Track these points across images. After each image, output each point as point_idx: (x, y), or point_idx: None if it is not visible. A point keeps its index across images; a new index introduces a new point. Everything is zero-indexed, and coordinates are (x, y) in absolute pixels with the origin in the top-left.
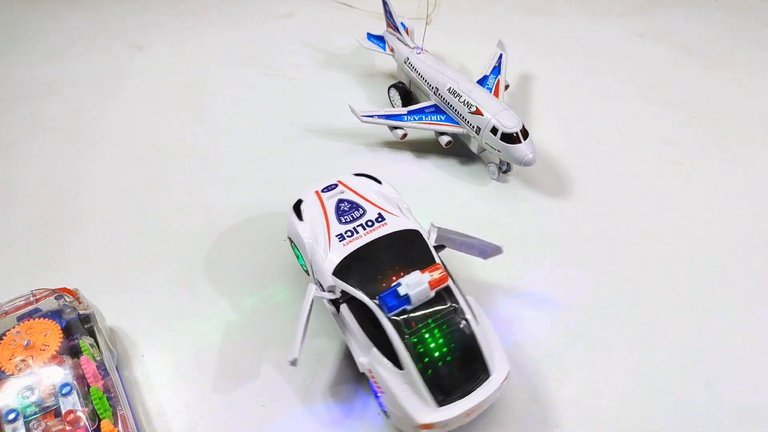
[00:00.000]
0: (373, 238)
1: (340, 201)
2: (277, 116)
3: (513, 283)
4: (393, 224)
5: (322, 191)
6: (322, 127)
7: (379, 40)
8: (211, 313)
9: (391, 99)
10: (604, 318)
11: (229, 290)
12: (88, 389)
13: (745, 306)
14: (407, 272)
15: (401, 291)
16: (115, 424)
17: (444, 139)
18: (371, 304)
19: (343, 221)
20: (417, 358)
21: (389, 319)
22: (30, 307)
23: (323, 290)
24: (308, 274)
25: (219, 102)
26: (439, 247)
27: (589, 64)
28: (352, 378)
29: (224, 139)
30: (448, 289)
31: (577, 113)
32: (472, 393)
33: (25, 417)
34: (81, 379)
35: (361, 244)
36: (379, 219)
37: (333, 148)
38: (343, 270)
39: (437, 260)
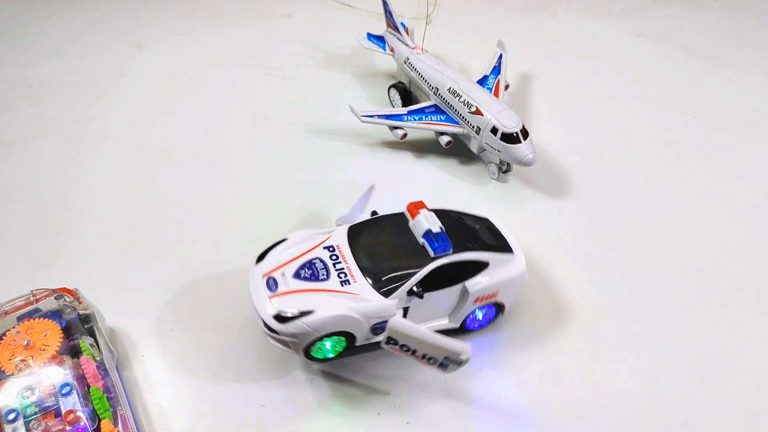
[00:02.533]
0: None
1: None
2: (277, 116)
3: None
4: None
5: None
6: (322, 127)
7: (379, 40)
8: (211, 313)
9: (391, 99)
10: (604, 318)
11: (228, 290)
12: (88, 389)
13: (746, 306)
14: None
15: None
16: (115, 424)
17: (444, 139)
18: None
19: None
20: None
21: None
22: (30, 307)
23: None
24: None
25: (219, 102)
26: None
27: (590, 64)
28: (352, 378)
29: (224, 139)
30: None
31: (578, 113)
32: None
33: (25, 417)
34: (81, 379)
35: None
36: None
37: (333, 148)
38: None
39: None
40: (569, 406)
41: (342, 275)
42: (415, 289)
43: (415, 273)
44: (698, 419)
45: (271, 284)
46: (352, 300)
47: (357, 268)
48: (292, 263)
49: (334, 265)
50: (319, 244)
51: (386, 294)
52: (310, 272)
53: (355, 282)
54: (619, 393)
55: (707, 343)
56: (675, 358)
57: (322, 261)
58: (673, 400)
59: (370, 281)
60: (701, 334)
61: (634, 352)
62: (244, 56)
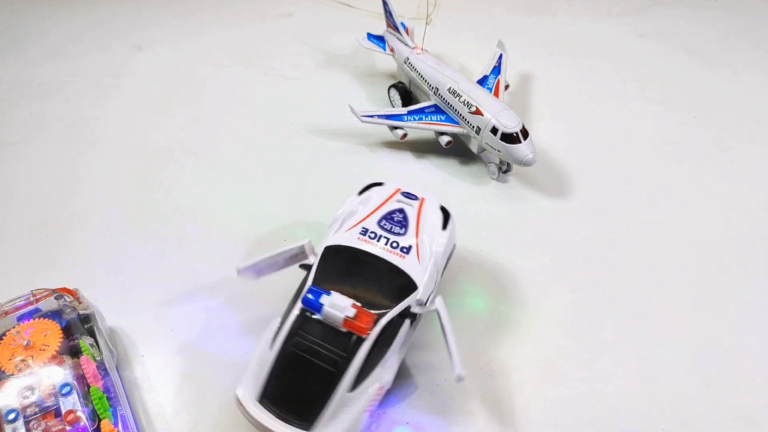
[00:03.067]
0: (374, 253)
1: (399, 211)
2: (277, 116)
3: (512, 283)
4: (406, 264)
5: (402, 193)
6: (322, 127)
7: (379, 40)
8: (211, 312)
9: (391, 99)
10: (604, 318)
11: (228, 290)
12: (88, 389)
13: (746, 306)
14: (361, 298)
15: (323, 299)
16: (115, 424)
17: (444, 139)
18: (305, 288)
19: (381, 225)
20: (283, 355)
21: (301, 309)
22: (30, 307)
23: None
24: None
25: (219, 102)
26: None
27: (590, 64)
28: None
29: (224, 139)
30: (359, 342)
31: (578, 113)
32: (281, 421)
33: (25, 417)
34: (81, 379)
35: (360, 248)
36: (404, 250)
37: (333, 148)
38: (328, 255)
39: (383, 320)
40: (569, 406)
41: None
42: None
43: None
44: (698, 419)
45: None
46: None
47: None
48: None
49: None
50: None
51: None
52: None
53: None
54: (619, 393)
55: (707, 343)
56: (675, 358)
57: None
58: (672, 400)
59: None
60: (701, 334)
61: (634, 352)
62: (244, 56)
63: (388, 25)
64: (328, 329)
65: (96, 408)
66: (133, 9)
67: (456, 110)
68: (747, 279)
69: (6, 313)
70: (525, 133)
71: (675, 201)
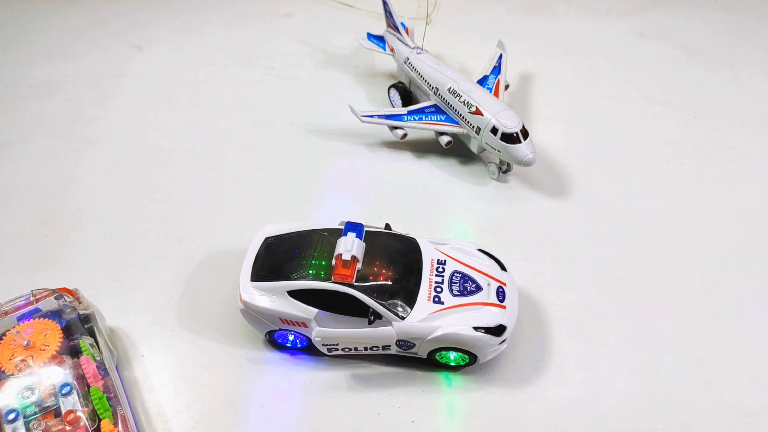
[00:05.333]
0: (423, 272)
1: (472, 280)
2: (277, 116)
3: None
4: (422, 302)
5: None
6: (322, 127)
7: (379, 40)
8: (211, 313)
9: (391, 99)
10: (604, 318)
11: (228, 290)
12: (88, 389)
13: (746, 306)
14: (376, 275)
15: (349, 233)
16: (115, 424)
17: (444, 139)
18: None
19: (451, 278)
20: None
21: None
22: (30, 307)
23: None
24: None
25: (218, 102)
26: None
27: (590, 64)
28: (352, 378)
29: (224, 139)
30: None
31: (578, 113)
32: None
33: (25, 417)
34: (81, 379)
35: (423, 257)
36: (437, 300)
37: (333, 148)
38: (404, 240)
39: (353, 291)
40: (569, 406)
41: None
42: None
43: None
44: (698, 419)
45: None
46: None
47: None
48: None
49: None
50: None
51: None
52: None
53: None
54: (619, 393)
55: (707, 343)
56: (675, 358)
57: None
58: (672, 400)
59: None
60: (701, 334)
61: (634, 352)
62: (244, 56)
63: (388, 25)
64: (327, 248)
65: (96, 408)
66: (133, 9)
67: (456, 110)
68: (747, 279)
69: (6, 313)
70: (525, 133)
71: (675, 201)
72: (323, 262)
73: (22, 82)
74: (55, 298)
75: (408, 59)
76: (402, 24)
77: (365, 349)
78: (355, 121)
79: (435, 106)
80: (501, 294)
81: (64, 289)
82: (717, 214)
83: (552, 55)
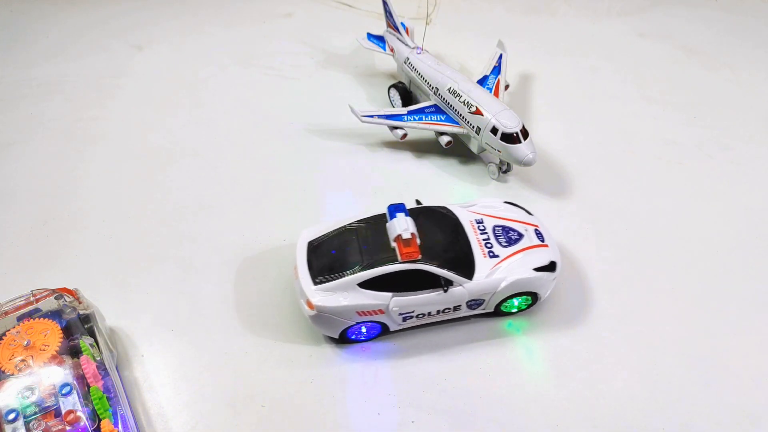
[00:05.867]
0: (467, 232)
1: (519, 234)
2: (277, 116)
3: None
4: (479, 259)
5: (535, 231)
6: (322, 127)
7: (380, 40)
8: (211, 313)
9: (391, 99)
10: (604, 318)
11: (228, 290)
12: (88, 389)
13: (746, 306)
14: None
15: (399, 214)
16: (115, 424)
17: (444, 139)
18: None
19: (494, 230)
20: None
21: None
22: (30, 307)
23: None
24: None
25: (219, 102)
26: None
27: (590, 64)
28: (352, 377)
29: (224, 139)
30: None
31: (578, 113)
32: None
33: (25, 417)
34: (81, 379)
35: (461, 220)
36: (491, 254)
37: (333, 148)
38: (437, 209)
39: (423, 265)
40: (569, 406)
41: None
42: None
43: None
44: (698, 419)
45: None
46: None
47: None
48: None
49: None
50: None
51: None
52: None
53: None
54: (619, 393)
55: (707, 343)
56: (675, 358)
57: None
58: (672, 400)
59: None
60: (701, 334)
61: (634, 352)
62: (244, 56)
63: (388, 25)
64: (378, 234)
65: (96, 408)
66: (134, 9)
67: (456, 110)
68: (747, 279)
69: (6, 313)
70: (525, 133)
71: (675, 201)
72: (381, 248)
73: (22, 82)
74: (55, 298)
75: (408, 59)
76: (402, 24)
77: (437, 312)
78: (355, 121)
79: (435, 106)
80: (539, 235)
81: (64, 289)
82: (717, 213)
83: (552, 55)
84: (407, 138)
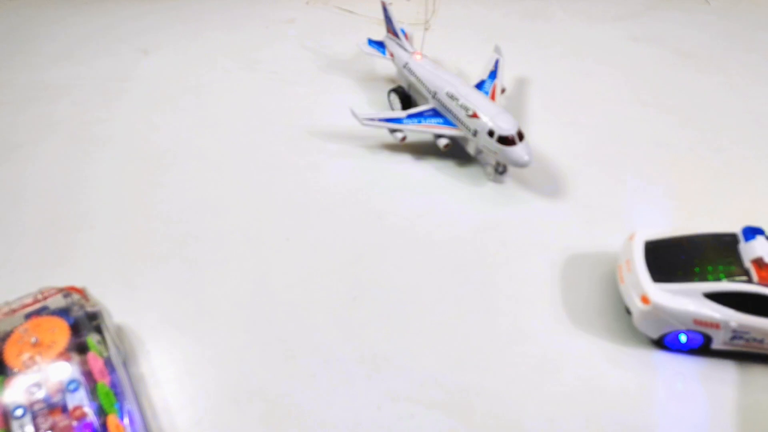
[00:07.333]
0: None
1: None
2: (280, 119)
3: (510, 283)
4: None
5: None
6: (324, 130)
7: (380, 45)
8: (216, 310)
9: (391, 103)
10: (600, 317)
11: (233, 288)
12: (95, 385)
13: None
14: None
15: (758, 236)
16: (122, 419)
17: (442, 142)
18: None
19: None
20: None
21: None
22: (38, 305)
23: None
24: None
25: (222, 105)
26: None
27: (585, 68)
28: (352, 374)
29: (228, 142)
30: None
31: (573, 116)
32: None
33: (32, 413)
34: (88, 375)
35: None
36: None
37: (334, 151)
38: None
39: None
40: (564, 401)
41: None
42: None
43: None
44: (691, 414)
45: None
46: None
47: None
48: None
49: None
50: None
51: None
52: None
53: None
54: (615, 389)
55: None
56: (673, 356)
57: None
58: (666, 396)
59: None
60: None
61: (631, 351)
62: (248, 60)
63: (388, 31)
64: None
65: (102, 403)
66: (140, 14)
67: (454, 113)
68: None
69: (14, 310)
70: (521, 136)
71: (669, 202)
72: (729, 264)
73: (30, 85)
74: (63, 296)
75: (407, 64)
76: (402, 30)
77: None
78: (356, 123)
79: (433, 109)
80: None
81: (72, 288)
82: (711, 216)
83: (548, 59)
84: (407, 141)
